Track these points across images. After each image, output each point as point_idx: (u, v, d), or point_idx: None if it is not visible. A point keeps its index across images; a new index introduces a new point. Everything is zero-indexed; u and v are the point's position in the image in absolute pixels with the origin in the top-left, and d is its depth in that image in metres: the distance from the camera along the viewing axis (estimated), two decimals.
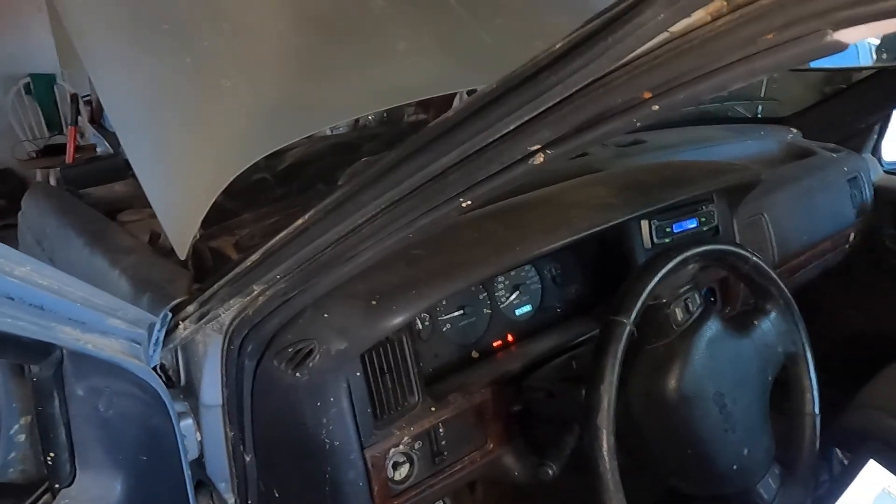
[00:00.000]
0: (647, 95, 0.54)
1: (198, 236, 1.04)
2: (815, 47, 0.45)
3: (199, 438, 0.94)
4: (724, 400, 1.01)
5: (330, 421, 0.89)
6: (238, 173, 0.92)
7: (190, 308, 0.88)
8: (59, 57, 4.59)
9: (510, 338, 1.18)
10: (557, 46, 0.56)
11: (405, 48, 1.13)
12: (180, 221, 0.96)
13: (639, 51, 0.53)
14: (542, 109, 0.59)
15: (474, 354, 1.14)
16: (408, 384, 0.98)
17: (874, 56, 1.93)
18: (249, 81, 1.04)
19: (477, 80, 1.00)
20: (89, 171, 1.78)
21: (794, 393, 1.18)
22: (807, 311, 1.17)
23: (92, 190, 1.61)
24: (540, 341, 1.17)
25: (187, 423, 0.93)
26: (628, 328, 0.94)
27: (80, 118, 3.92)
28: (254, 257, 0.83)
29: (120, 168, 1.65)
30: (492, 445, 1.09)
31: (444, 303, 1.10)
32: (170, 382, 0.98)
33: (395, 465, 0.97)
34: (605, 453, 0.89)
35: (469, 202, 0.70)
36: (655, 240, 1.33)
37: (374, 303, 0.90)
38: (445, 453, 1.02)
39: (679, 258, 1.01)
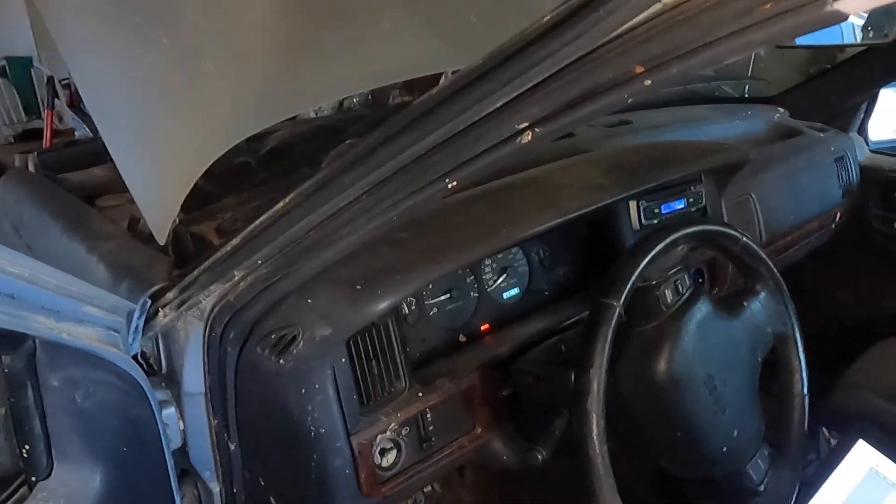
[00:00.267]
0: (640, 70, 0.52)
1: (177, 221, 1.02)
2: (813, 18, 0.44)
3: (181, 427, 0.92)
4: (713, 382, 1.00)
5: (315, 408, 0.88)
6: (218, 156, 0.90)
7: (170, 295, 0.86)
8: (36, 39, 4.49)
9: (498, 321, 1.17)
10: (546, 19, 0.54)
11: (390, 28, 1.11)
12: (159, 206, 0.94)
13: (631, 23, 0.51)
14: (530, 85, 0.57)
15: (462, 339, 1.12)
16: (394, 370, 0.97)
17: (860, 34, 1.92)
18: (230, 62, 1.02)
19: (463, 61, 0.98)
20: (68, 155, 1.75)
21: (782, 373, 1.18)
22: (793, 291, 1.17)
23: (70, 175, 1.57)
24: (528, 324, 1.16)
25: (169, 412, 0.91)
26: (618, 311, 0.93)
27: (57, 102, 3.85)
28: (234, 242, 0.81)
29: (99, 152, 1.61)
30: (480, 430, 1.08)
31: (430, 287, 1.09)
32: (151, 370, 0.96)
33: (383, 452, 0.96)
34: (594, 437, 0.89)
35: (454, 183, 0.68)
36: (644, 221, 1.31)
37: (358, 287, 0.88)
38: (433, 439, 1.01)
39: (669, 239, 1.00)
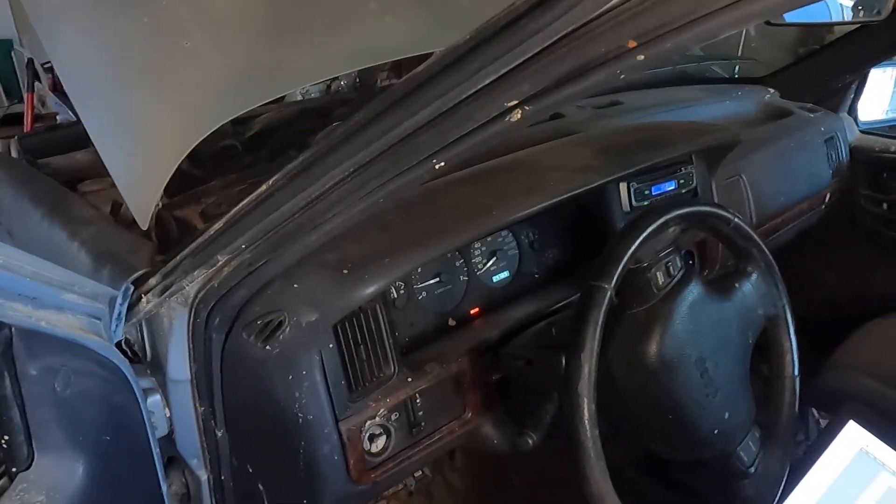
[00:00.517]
0: (633, 44, 0.50)
1: (160, 205, 1.00)
2: None
3: (167, 414, 0.91)
4: (705, 364, 1.00)
5: (303, 394, 0.87)
6: (201, 139, 0.88)
7: (153, 280, 0.84)
8: (16, 21, 4.42)
9: (488, 305, 1.16)
10: None
11: (377, 7, 1.09)
12: (141, 190, 0.92)
13: None
14: (520, 61, 0.55)
15: (451, 323, 1.11)
16: (383, 355, 0.96)
17: (851, 13, 1.91)
18: (212, 42, 0.99)
19: (451, 41, 0.97)
20: (49, 139, 1.71)
21: (773, 355, 1.17)
22: (783, 272, 1.16)
23: (52, 159, 1.54)
24: (518, 308, 1.15)
25: (155, 399, 0.89)
26: (609, 294, 0.92)
27: (38, 85, 3.79)
28: (217, 226, 0.80)
29: (82, 136, 1.57)
30: (470, 415, 1.07)
31: (419, 270, 1.08)
32: (135, 358, 0.94)
33: (372, 438, 0.95)
34: (585, 421, 0.88)
35: (442, 164, 0.66)
36: (634, 203, 1.30)
37: (345, 272, 0.87)
38: (423, 424, 1.01)
39: (660, 220, 0.99)
